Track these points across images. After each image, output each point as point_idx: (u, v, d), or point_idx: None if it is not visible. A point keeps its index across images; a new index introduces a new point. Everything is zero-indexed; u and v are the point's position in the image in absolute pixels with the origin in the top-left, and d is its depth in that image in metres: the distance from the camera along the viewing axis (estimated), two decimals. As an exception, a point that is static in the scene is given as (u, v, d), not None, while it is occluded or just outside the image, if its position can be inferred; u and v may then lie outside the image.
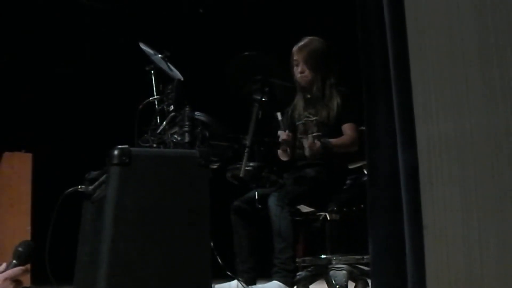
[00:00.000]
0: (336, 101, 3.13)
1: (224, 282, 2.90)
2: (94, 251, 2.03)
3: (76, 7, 5.69)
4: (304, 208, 3.10)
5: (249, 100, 2.76)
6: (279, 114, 3.11)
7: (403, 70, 1.69)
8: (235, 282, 2.89)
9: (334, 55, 3.24)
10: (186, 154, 2.20)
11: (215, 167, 2.63)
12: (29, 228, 4.72)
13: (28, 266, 1.74)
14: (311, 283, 3.15)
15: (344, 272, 2.89)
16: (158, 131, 2.65)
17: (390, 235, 1.83)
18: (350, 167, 3.18)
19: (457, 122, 1.54)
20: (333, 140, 3.06)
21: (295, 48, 3.22)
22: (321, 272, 3.05)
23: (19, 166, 4.88)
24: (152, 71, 3.08)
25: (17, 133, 5.33)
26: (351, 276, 2.92)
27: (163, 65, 3.06)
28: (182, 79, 2.93)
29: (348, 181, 3.14)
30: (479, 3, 1.53)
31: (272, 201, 2.86)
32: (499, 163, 1.46)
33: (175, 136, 2.53)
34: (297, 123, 3.28)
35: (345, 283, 2.87)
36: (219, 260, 2.49)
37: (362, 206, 2.99)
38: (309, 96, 3.22)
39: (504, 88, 1.47)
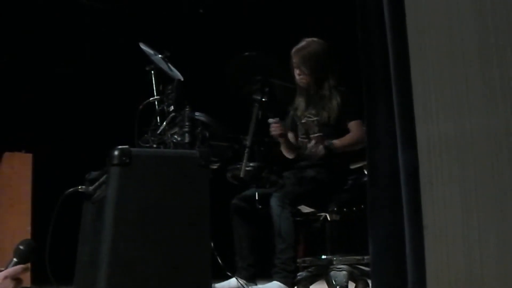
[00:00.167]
0: (336, 101, 3.14)
1: (224, 281, 2.91)
2: (94, 251, 2.03)
3: (76, 7, 5.69)
4: (305, 209, 3.10)
5: (249, 100, 2.76)
6: (271, 120, 3.10)
7: (403, 70, 1.69)
8: (234, 280, 2.89)
9: (333, 56, 3.24)
10: (186, 154, 2.20)
11: (215, 167, 2.63)
12: (29, 228, 4.72)
13: (29, 264, 1.74)
14: (311, 284, 3.14)
15: (344, 272, 2.89)
16: (158, 132, 2.65)
17: (390, 235, 1.83)
18: (351, 167, 3.18)
19: (457, 122, 1.54)
20: (337, 141, 3.06)
21: (293, 51, 3.23)
22: (322, 273, 3.05)
23: (19, 166, 4.87)
24: (152, 71, 3.08)
25: (17, 133, 5.33)
26: (351, 277, 2.92)
27: (163, 65, 3.06)
28: (182, 79, 2.93)
29: (348, 182, 3.14)
30: (479, 3, 1.53)
31: (273, 202, 2.86)
32: (499, 163, 1.46)
33: (175, 136, 2.53)
34: (298, 124, 3.29)
35: (346, 284, 2.87)
36: (219, 260, 2.49)
37: (362, 206, 2.99)
38: (309, 97, 3.23)
39: (504, 88, 1.47)
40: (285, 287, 2.80)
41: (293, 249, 2.87)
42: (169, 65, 3.10)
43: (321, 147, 2.98)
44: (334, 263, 2.96)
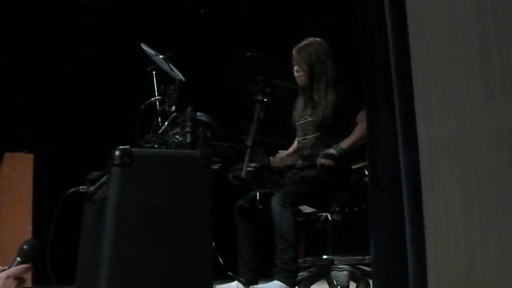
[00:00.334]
0: (331, 101, 3.13)
1: (225, 282, 2.91)
2: (95, 252, 2.04)
3: (76, 7, 5.69)
4: (306, 209, 3.10)
5: (251, 101, 2.76)
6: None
7: (404, 70, 1.69)
8: (235, 283, 2.89)
9: (332, 56, 3.24)
10: (188, 154, 2.20)
11: (216, 167, 2.63)
12: (30, 228, 4.73)
13: (31, 264, 1.74)
14: (312, 284, 3.15)
15: (345, 272, 2.89)
16: (160, 132, 2.65)
17: (391, 235, 1.83)
18: (352, 167, 3.18)
19: (458, 122, 1.54)
20: (344, 143, 3.04)
21: (294, 49, 3.25)
22: (323, 273, 3.05)
23: (20, 167, 4.88)
24: (154, 72, 3.08)
25: (18, 134, 5.33)
26: (352, 277, 2.92)
27: (164, 65, 3.06)
28: (183, 79, 2.93)
29: (349, 182, 3.14)
30: (480, 3, 1.53)
31: (274, 201, 2.86)
32: (500, 163, 1.46)
33: (177, 136, 2.52)
34: (296, 124, 3.30)
35: (347, 284, 2.87)
36: (220, 261, 2.49)
37: (363, 206, 2.99)
38: (306, 97, 3.23)
39: (505, 88, 1.47)
40: (286, 287, 2.80)
41: (294, 249, 2.87)
42: (171, 65, 3.10)
43: (331, 161, 2.97)
44: (335, 263, 2.96)
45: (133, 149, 2.03)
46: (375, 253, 1.89)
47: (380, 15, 1.87)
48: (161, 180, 2.06)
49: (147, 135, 2.70)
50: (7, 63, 5.47)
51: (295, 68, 3.20)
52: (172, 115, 2.65)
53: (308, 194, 3.03)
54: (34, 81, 5.86)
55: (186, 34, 5.97)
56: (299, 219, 3.10)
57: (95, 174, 2.24)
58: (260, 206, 2.99)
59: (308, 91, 3.21)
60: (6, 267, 1.69)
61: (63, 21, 5.75)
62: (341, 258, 2.97)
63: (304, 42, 3.26)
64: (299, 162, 3.26)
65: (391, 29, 1.81)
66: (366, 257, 2.88)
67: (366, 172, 2.96)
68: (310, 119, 3.22)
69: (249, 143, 2.63)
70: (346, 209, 3.06)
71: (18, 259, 1.73)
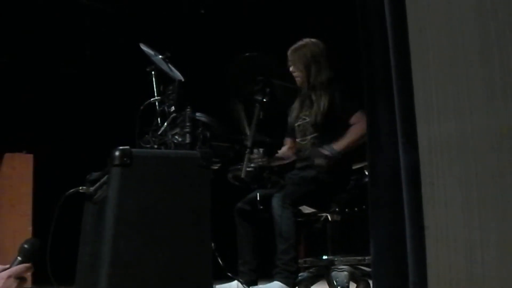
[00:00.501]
0: (326, 101, 3.13)
1: (225, 282, 2.90)
2: (95, 252, 2.03)
3: (76, 7, 5.69)
4: (306, 209, 3.10)
5: (250, 101, 2.76)
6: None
7: (404, 70, 1.69)
8: (235, 283, 2.89)
9: (328, 56, 3.25)
10: (187, 155, 2.20)
11: (216, 168, 2.62)
12: (30, 229, 4.73)
13: (31, 264, 1.74)
14: (312, 284, 3.14)
15: (345, 273, 2.89)
16: (159, 132, 2.64)
17: (391, 235, 1.83)
18: (352, 168, 3.18)
19: (458, 122, 1.54)
20: (337, 145, 3.03)
21: (289, 50, 3.25)
22: (323, 273, 3.05)
23: (20, 167, 4.88)
24: (153, 72, 3.08)
25: (18, 134, 5.33)
26: (352, 277, 2.92)
27: (164, 66, 3.06)
28: (183, 80, 2.92)
29: (349, 182, 3.14)
30: (480, 3, 1.53)
31: (275, 202, 2.86)
32: (500, 163, 1.46)
33: (176, 137, 2.52)
34: (294, 125, 3.30)
35: (347, 284, 2.87)
36: (220, 261, 2.49)
37: (363, 207, 2.99)
38: (303, 97, 3.23)
39: (505, 88, 1.47)
40: (286, 287, 2.80)
41: (294, 249, 2.86)
42: (170, 65, 3.10)
43: (325, 161, 2.97)
44: (335, 263, 2.96)
45: (133, 150, 2.03)
46: (375, 254, 1.89)
47: (380, 15, 1.87)
48: (161, 181, 2.06)
49: (146, 136, 2.70)
50: (7, 63, 5.47)
51: (291, 69, 3.21)
52: (172, 116, 2.65)
53: (308, 194, 3.03)
54: (34, 81, 5.86)
55: (186, 34, 5.97)
56: (300, 219, 3.10)
57: (95, 174, 2.24)
58: (261, 207, 2.99)
59: (304, 91, 3.22)
60: (8, 266, 1.69)
61: (63, 21, 5.75)
62: (341, 259, 2.97)
63: (299, 42, 3.27)
64: (299, 163, 3.26)
65: (391, 29, 1.81)
66: (366, 258, 2.88)
67: (366, 172, 2.96)
68: (307, 119, 3.22)
69: (248, 143, 2.63)
70: (346, 210, 3.06)
71: (19, 258, 1.73)
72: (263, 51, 2.77)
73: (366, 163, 2.94)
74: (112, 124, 5.35)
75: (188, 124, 2.49)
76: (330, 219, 3.10)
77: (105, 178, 2.09)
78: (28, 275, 1.74)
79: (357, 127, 3.03)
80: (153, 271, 1.98)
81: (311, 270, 3.12)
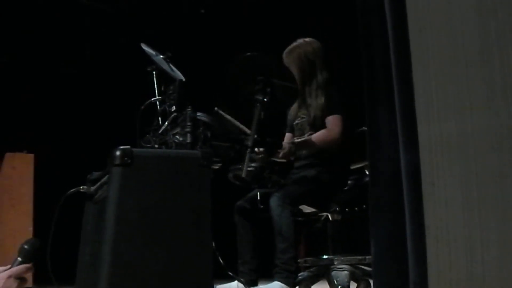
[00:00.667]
0: (320, 101, 3.14)
1: (226, 282, 2.91)
2: (95, 252, 2.04)
3: (76, 7, 5.70)
4: (306, 209, 3.10)
5: (251, 101, 2.76)
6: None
7: (405, 70, 1.69)
8: (235, 283, 2.89)
9: (324, 55, 3.25)
10: (188, 154, 2.20)
11: (216, 167, 2.63)
12: (30, 228, 4.73)
13: (32, 264, 1.74)
14: (313, 284, 3.14)
15: (346, 272, 2.89)
16: (160, 132, 2.65)
17: (392, 235, 1.83)
18: (352, 167, 3.19)
19: (459, 122, 1.54)
20: (300, 140, 3.06)
21: (284, 52, 3.26)
22: (323, 273, 3.05)
23: (21, 167, 4.89)
24: (154, 72, 3.08)
25: (18, 134, 5.34)
26: (353, 277, 2.92)
27: (164, 65, 3.06)
28: (183, 79, 2.93)
29: (349, 182, 3.14)
30: (480, 3, 1.54)
31: (273, 201, 2.86)
32: (500, 163, 1.46)
33: (177, 136, 2.52)
34: (293, 124, 3.32)
35: (347, 284, 2.87)
36: (221, 261, 2.49)
37: (364, 206, 2.99)
38: (300, 97, 3.24)
39: (505, 88, 1.47)
40: (286, 287, 2.80)
41: (294, 248, 2.86)
42: (171, 65, 3.10)
43: (288, 146, 3.00)
44: (336, 263, 2.96)
45: (134, 149, 2.03)
46: (375, 253, 1.89)
47: (380, 15, 1.87)
48: (162, 180, 2.06)
49: (147, 135, 2.70)
50: (7, 63, 5.48)
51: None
52: (172, 115, 2.65)
53: (308, 193, 3.03)
54: (34, 81, 5.87)
55: (186, 34, 5.98)
56: (300, 219, 3.10)
57: (95, 174, 2.24)
58: (261, 206, 3.00)
59: (301, 92, 3.22)
60: (8, 266, 1.70)
61: (63, 21, 5.76)
62: (342, 258, 2.97)
63: (293, 44, 3.28)
64: (297, 162, 3.26)
65: (391, 29, 1.81)
66: (367, 257, 2.88)
67: (367, 172, 2.96)
68: (305, 118, 3.23)
69: (249, 143, 2.63)
70: (347, 209, 3.06)
71: (19, 259, 1.73)
72: (263, 51, 2.77)
73: (366, 163, 2.95)
74: (113, 124, 5.36)
75: (189, 123, 2.49)
76: (330, 218, 3.10)
77: (105, 177, 2.09)
78: (29, 275, 1.75)
79: (325, 133, 3.07)
80: (153, 271, 1.98)
81: (311, 269, 3.12)
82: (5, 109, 5.36)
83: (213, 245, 2.16)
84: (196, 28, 6.00)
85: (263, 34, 5.43)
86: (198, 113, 2.55)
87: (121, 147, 2.01)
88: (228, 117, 2.81)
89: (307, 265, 3.16)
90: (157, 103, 2.88)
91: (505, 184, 1.45)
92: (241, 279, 2.89)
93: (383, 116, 1.90)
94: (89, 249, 2.21)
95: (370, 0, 1.97)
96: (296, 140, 3.10)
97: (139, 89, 3.09)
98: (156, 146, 2.61)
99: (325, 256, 3.04)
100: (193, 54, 5.29)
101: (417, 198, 1.61)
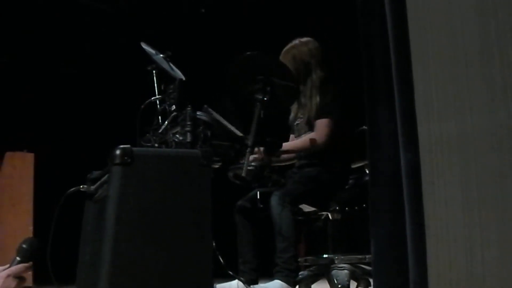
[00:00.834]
0: (315, 103, 3.14)
1: (226, 281, 2.91)
2: (96, 251, 2.04)
3: (76, 7, 5.70)
4: (306, 208, 3.10)
5: (251, 100, 2.76)
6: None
7: (405, 70, 1.70)
8: (235, 282, 2.89)
9: (321, 54, 3.25)
10: (188, 154, 2.20)
11: (217, 166, 2.63)
12: (31, 228, 4.74)
13: (31, 263, 1.75)
14: (313, 283, 3.15)
15: (346, 271, 2.89)
16: (160, 131, 2.65)
17: (392, 234, 1.83)
18: (352, 166, 3.19)
19: (459, 122, 1.54)
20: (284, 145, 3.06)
21: (281, 53, 3.26)
22: (323, 272, 3.05)
23: (21, 166, 4.89)
24: (154, 71, 3.09)
25: (18, 133, 5.35)
26: (353, 276, 2.92)
27: (164, 64, 3.06)
28: (183, 78, 2.93)
29: (350, 181, 3.14)
30: (480, 3, 1.54)
31: (274, 200, 2.86)
32: (500, 163, 1.46)
33: (177, 135, 2.52)
34: (293, 124, 3.32)
35: (347, 283, 2.87)
36: (221, 260, 2.49)
37: (364, 205, 2.99)
38: (300, 97, 3.24)
39: (505, 88, 1.48)
40: (286, 286, 2.80)
41: (294, 248, 2.86)
42: (171, 64, 3.11)
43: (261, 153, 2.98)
44: (336, 262, 2.96)
45: (134, 148, 2.03)
46: (375, 252, 1.89)
47: (380, 15, 1.87)
48: (162, 180, 2.06)
49: (147, 134, 2.70)
50: (7, 63, 5.48)
51: None
52: (172, 114, 2.65)
53: (308, 193, 3.03)
54: (34, 81, 5.87)
55: (186, 33, 5.98)
56: (300, 218, 3.10)
57: (95, 173, 2.24)
58: (261, 206, 3.00)
59: (300, 91, 3.22)
60: (7, 266, 1.70)
61: (63, 21, 5.76)
62: (342, 257, 2.97)
63: (289, 44, 3.28)
64: (297, 162, 3.27)
65: (391, 29, 1.81)
66: (367, 256, 2.88)
67: (367, 171, 2.96)
68: (303, 118, 3.23)
69: (249, 142, 2.63)
70: (347, 208, 3.06)
71: (18, 258, 1.73)
72: (264, 50, 2.77)
73: (366, 162, 2.95)
74: (113, 123, 5.37)
75: (189, 123, 2.49)
76: (330, 217, 3.10)
77: (105, 177, 2.09)
78: (28, 275, 1.75)
79: (308, 137, 3.08)
80: (153, 271, 1.98)
81: (311, 268, 3.12)
82: (5, 108, 5.36)
83: (213, 244, 2.16)
84: (196, 27, 6.00)
85: (263, 34, 5.42)
86: (198, 112, 2.55)
87: (121, 146, 2.01)
88: (217, 115, 2.80)
89: (307, 264, 3.16)
90: (157, 102, 2.88)
91: (505, 184, 1.45)
92: (242, 278, 2.88)
93: (383, 116, 1.90)
94: (89, 249, 2.21)
95: (370, 0, 1.97)
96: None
97: (139, 89, 3.09)
98: (156, 145, 2.61)
99: (325, 255, 3.04)
100: (193, 53, 5.29)
101: (417, 198, 1.61)
